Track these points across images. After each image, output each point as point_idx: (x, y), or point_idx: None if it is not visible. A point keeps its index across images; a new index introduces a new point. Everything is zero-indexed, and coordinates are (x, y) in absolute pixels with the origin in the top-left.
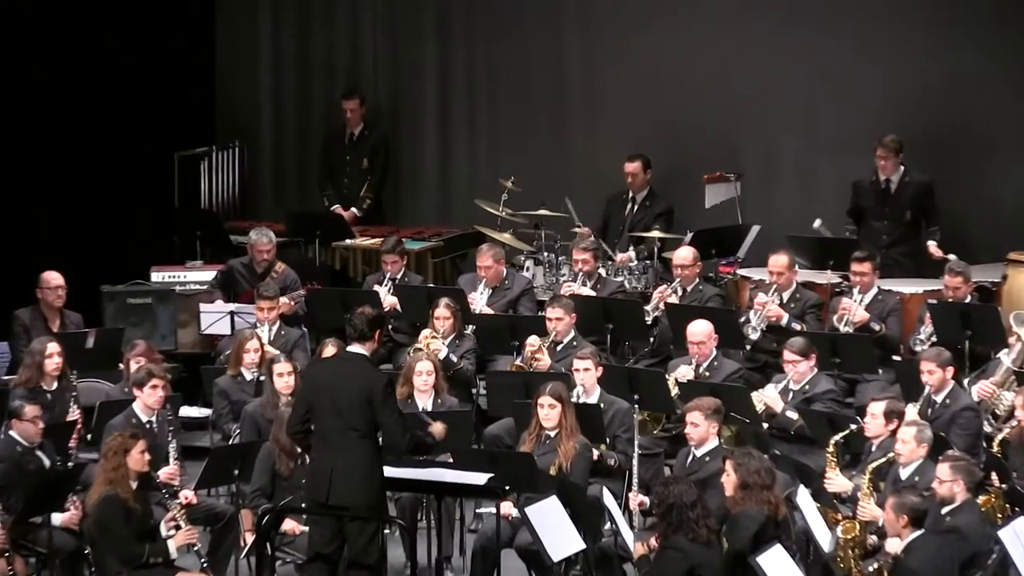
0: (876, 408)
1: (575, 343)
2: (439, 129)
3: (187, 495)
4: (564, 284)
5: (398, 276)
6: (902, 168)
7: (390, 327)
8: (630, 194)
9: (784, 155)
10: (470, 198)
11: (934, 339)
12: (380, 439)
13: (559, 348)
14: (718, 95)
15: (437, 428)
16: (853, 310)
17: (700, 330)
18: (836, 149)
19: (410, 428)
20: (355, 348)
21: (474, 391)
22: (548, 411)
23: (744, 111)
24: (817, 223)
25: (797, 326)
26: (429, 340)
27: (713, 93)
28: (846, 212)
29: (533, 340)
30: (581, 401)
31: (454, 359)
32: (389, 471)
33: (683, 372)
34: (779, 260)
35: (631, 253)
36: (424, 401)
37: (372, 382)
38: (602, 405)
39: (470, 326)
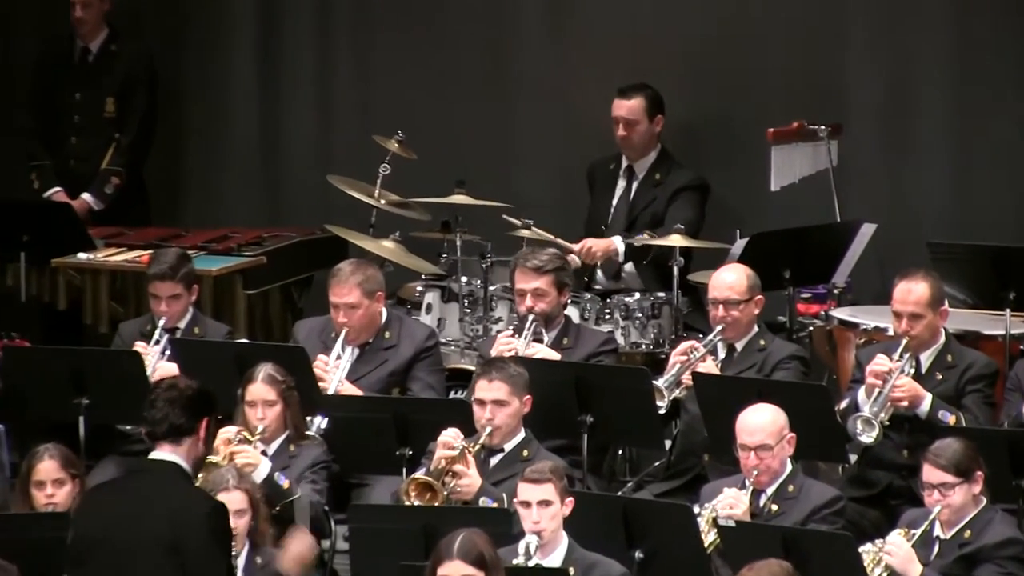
0: None
1: (527, 452)
2: (258, 43)
3: None
4: (501, 338)
5: (181, 323)
6: None
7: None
8: (623, 162)
9: (918, 91)
10: (320, 173)
11: None
12: None
13: (496, 460)
14: None
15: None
16: None
17: (760, 424)
18: (1010, 81)
19: None
20: (164, 453)
21: (326, 544)
22: None
23: (842, 13)
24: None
25: (948, 417)
26: (234, 447)
27: None
28: None
29: (448, 437)
30: (532, 563)
31: (283, 482)
32: None
33: (729, 505)
34: (914, 291)
35: (617, 241)
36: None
37: (184, 513)
38: (572, 571)
39: (318, 419)
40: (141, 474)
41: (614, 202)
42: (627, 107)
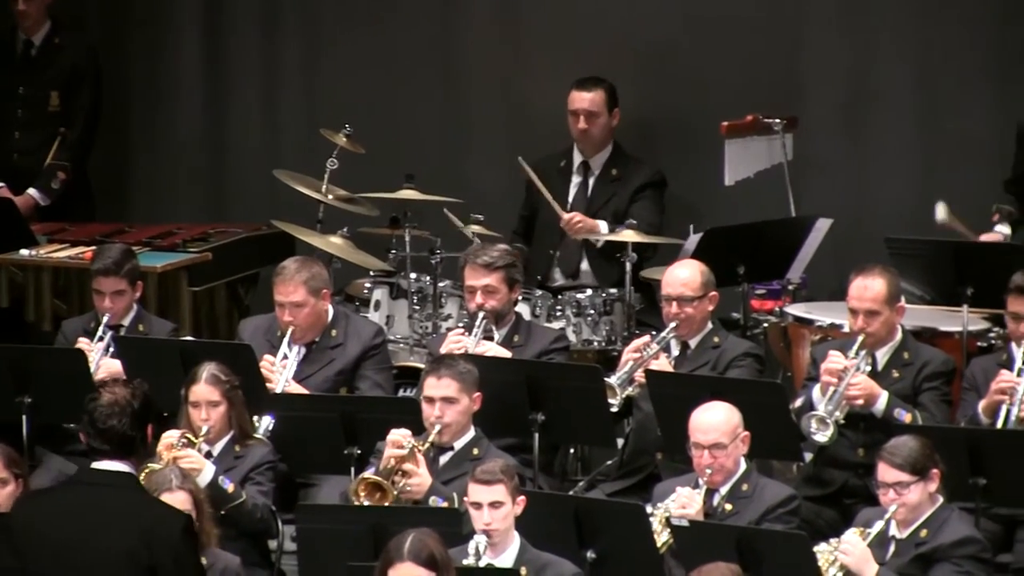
0: None
1: (477, 451)
2: (203, 35)
3: None
4: (451, 335)
5: (126, 321)
6: None
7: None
8: (577, 158)
9: (875, 85)
10: (266, 167)
11: None
12: None
13: (446, 459)
14: None
15: None
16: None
17: (714, 422)
18: (978, 71)
19: None
20: (110, 463)
21: (273, 546)
22: None
23: (799, 2)
24: (940, 211)
25: (904, 415)
26: (177, 452)
27: None
28: (1004, 182)
29: (398, 435)
30: (483, 563)
31: (228, 486)
32: None
33: (682, 504)
34: (870, 287)
35: (602, 225)
36: None
37: (159, 531)
38: (524, 571)
39: (265, 419)
40: (98, 487)
41: (570, 198)
42: (589, 99)
